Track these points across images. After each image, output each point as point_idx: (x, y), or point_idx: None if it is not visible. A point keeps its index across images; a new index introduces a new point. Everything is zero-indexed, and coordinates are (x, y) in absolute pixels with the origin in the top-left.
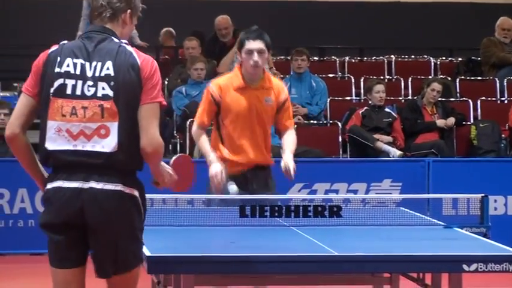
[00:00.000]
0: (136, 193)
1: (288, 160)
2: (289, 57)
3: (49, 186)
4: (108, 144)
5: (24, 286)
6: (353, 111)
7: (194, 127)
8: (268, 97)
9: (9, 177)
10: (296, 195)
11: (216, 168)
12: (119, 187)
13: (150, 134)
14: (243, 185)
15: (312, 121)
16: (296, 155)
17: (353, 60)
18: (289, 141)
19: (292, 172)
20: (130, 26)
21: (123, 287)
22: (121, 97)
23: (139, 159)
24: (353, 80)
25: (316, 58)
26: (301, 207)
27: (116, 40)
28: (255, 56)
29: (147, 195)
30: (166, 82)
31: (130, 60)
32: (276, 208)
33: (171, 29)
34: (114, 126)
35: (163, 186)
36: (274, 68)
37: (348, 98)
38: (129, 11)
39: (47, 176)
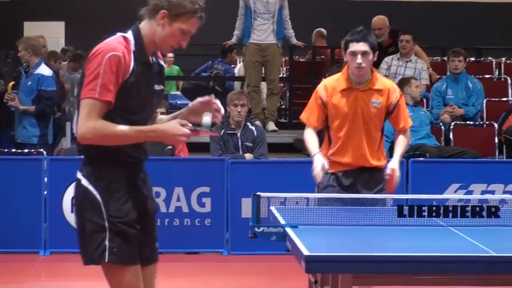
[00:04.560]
0: (80, 175)
1: (392, 167)
2: (445, 58)
3: None
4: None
5: (181, 285)
6: (509, 113)
7: (306, 129)
8: (376, 99)
9: (165, 176)
10: (453, 195)
11: (317, 161)
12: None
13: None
14: (344, 184)
15: (468, 122)
16: (452, 155)
17: (509, 61)
18: (399, 145)
19: (393, 183)
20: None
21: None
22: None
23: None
24: (509, 81)
25: (472, 59)
26: (458, 208)
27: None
28: (359, 58)
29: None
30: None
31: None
32: (434, 208)
33: (322, 29)
34: None
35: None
36: (430, 69)
37: (505, 99)
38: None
39: None
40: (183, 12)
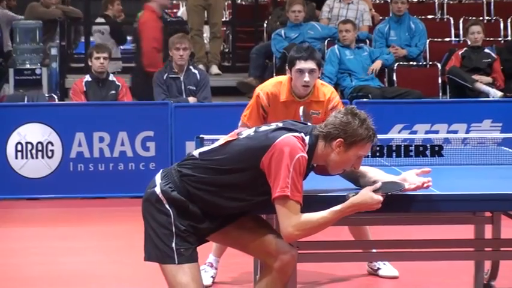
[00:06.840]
0: (158, 188)
1: None
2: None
3: None
4: None
5: (125, 229)
6: (452, 53)
7: (239, 124)
8: (315, 110)
9: (109, 120)
10: (397, 135)
11: None
12: None
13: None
14: None
15: (411, 62)
16: (396, 96)
17: (452, 2)
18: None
19: None
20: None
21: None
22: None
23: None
24: (452, 21)
25: (415, 0)
26: (402, 147)
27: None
28: (306, 77)
29: None
30: (265, 25)
31: None
32: (378, 148)
33: None
34: None
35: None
36: (373, 10)
37: (447, 39)
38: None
39: None
40: (359, 140)
